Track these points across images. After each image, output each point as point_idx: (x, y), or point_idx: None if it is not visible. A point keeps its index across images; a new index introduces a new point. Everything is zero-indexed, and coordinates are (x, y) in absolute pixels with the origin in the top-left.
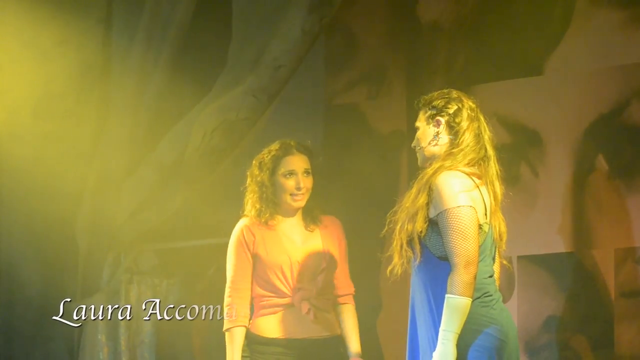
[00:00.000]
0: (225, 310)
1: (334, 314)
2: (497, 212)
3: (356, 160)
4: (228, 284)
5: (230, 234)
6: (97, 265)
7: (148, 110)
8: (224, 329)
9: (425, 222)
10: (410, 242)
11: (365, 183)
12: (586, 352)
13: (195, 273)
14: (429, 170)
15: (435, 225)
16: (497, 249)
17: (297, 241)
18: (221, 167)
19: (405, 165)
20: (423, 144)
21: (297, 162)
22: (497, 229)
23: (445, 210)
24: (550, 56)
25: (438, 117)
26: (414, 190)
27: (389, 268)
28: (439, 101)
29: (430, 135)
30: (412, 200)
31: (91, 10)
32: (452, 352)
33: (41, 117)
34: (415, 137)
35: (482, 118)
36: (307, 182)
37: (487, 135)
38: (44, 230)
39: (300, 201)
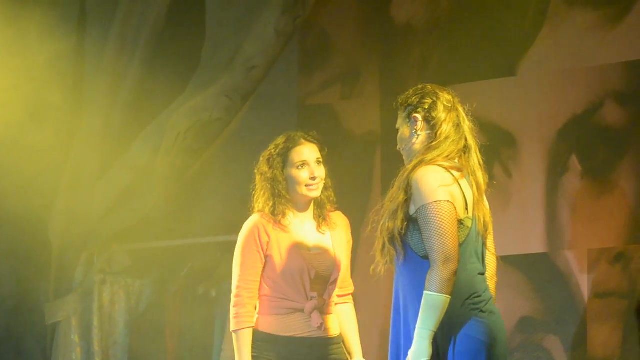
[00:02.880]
0: (234, 311)
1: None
2: (481, 203)
3: (330, 161)
4: (236, 283)
5: (203, 235)
6: (70, 266)
7: (121, 111)
8: (232, 329)
9: (406, 220)
10: (392, 240)
11: (339, 183)
12: (559, 352)
13: (168, 274)
14: (409, 167)
15: (416, 222)
16: (484, 243)
17: (310, 245)
18: (195, 167)
19: (378, 165)
20: (405, 144)
21: (308, 152)
22: (482, 220)
23: (423, 205)
24: (524, 57)
25: (414, 114)
26: (394, 187)
27: (372, 267)
28: (414, 98)
29: (409, 134)
30: (392, 197)
31: (64, 8)
32: (427, 350)
33: (13, 118)
34: (398, 139)
35: (460, 108)
36: (320, 172)
37: (466, 125)
38: (17, 230)
39: (316, 191)
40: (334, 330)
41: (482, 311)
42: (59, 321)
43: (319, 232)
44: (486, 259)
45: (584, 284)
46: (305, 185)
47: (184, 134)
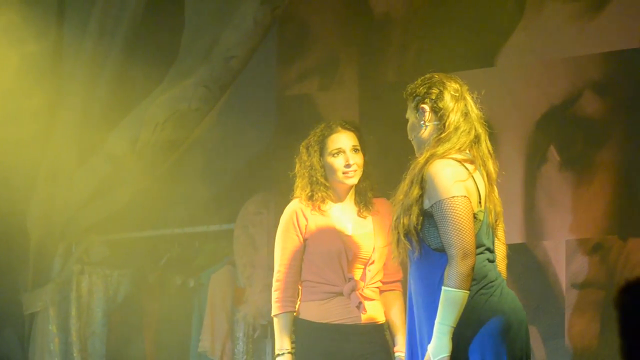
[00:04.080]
0: (275, 295)
1: (381, 300)
2: (492, 193)
3: None
4: (277, 267)
5: (181, 225)
6: (49, 256)
7: (100, 101)
8: (273, 314)
9: (421, 215)
10: (407, 235)
11: None
12: (537, 342)
13: (146, 264)
14: (421, 160)
15: (431, 217)
16: (494, 232)
17: (349, 228)
18: (173, 157)
19: None
20: (414, 135)
21: (344, 139)
22: (493, 212)
23: (440, 201)
24: (503, 47)
25: (422, 105)
26: (406, 181)
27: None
28: (421, 88)
29: (418, 125)
30: (405, 192)
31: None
32: (447, 345)
33: None
34: (407, 129)
35: (468, 97)
36: (356, 159)
37: (474, 114)
38: None
39: (353, 178)
40: (376, 317)
41: (493, 295)
42: (36, 311)
43: (360, 216)
44: (496, 247)
45: (561, 274)
46: (342, 173)
47: (162, 124)
